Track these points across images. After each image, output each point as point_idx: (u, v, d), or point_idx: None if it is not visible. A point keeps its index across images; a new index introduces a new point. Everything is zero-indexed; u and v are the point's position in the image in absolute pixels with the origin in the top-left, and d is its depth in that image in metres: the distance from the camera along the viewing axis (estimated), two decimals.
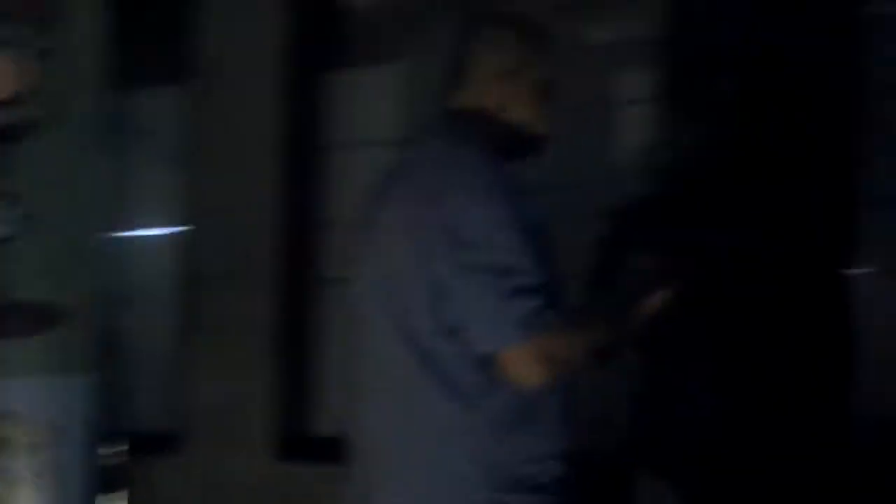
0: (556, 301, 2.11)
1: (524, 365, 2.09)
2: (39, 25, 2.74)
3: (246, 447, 4.30)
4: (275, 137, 4.47)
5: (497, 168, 2.17)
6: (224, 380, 4.38)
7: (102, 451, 3.19)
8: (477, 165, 2.16)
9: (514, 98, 2.27)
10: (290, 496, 4.15)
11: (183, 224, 4.77)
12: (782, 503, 2.69)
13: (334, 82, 4.51)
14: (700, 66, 2.95)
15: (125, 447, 4.44)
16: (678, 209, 2.82)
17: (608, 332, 2.23)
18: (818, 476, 2.71)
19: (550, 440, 2.17)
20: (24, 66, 2.69)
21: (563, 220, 2.62)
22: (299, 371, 4.42)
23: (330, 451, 4.11)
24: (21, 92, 2.67)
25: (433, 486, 2.13)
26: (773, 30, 3.41)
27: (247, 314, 4.38)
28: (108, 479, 4.12)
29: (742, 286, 2.57)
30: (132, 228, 4.94)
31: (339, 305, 4.35)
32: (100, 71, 2.90)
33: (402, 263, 2.15)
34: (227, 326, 4.40)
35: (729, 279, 2.58)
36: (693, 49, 3.40)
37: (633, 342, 2.36)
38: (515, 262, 2.08)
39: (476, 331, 2.10)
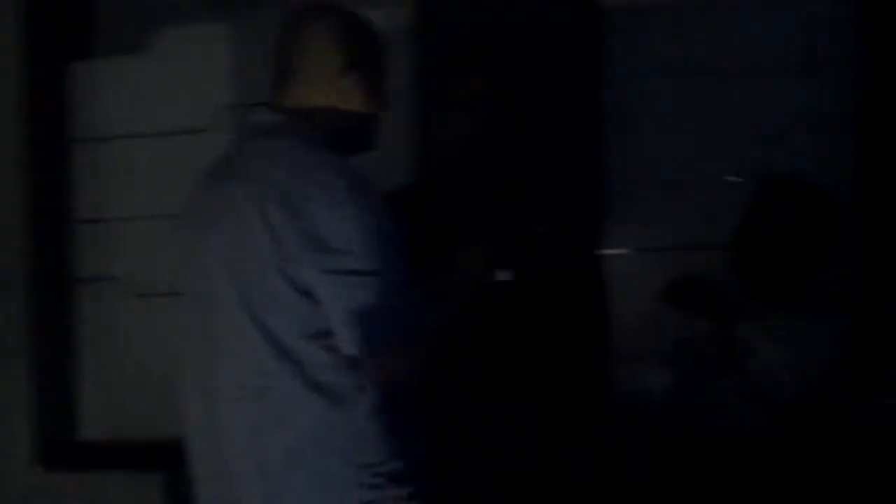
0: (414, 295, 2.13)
1: (395, 365, 2.10)
2: None
3: (7, 455, 4.15)
4: (19, 134, 4.31)
5: (352, 167, 2.13)
6: None
7: None
8: (335, 166, 2.11)
9: (348, 93, 2.23)
10: None
11: None
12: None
13: (82, 74, 4.38)
14: (452, 60, 3.01)
15: None
16: (454, 199, 2.86)
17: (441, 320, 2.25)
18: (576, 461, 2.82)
19: (414, 433, 2.18)
20: None
21: None
22: (59, 375, 4.30)
23: (96, 457, 4.07)
24: None
25: (303, 489, 2.10)
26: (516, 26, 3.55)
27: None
28: None
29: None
30: None
31: (95, 306, 4.27)
32: None
33: (259, 265, 2.08)
34: None
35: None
36: (444, 43, 3.50)
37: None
38: (381, 264, 2.07)
39: (345, 334, 2.07)
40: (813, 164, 3.57)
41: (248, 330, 2.10)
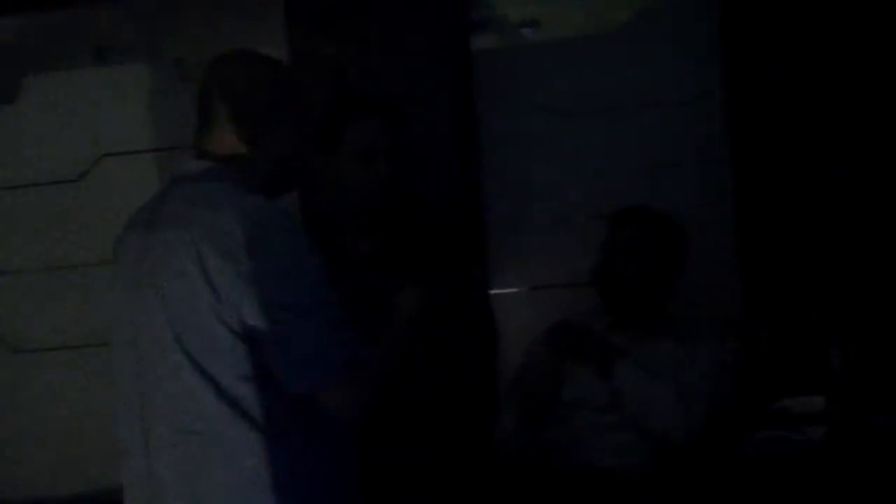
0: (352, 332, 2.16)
1: (344, 400, 2.13)
2: None
3: None
4: None
5: (279, 208, 2.16)
6: None
7: None
8: (263, 207, 2.13)
9: (268, 136, 2.25)
10: None
11: None
12: None
13: None
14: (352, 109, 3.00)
15: None
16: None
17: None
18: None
19: (348, 470, 2.23)
20: None
21: None
22: None
23: None
24: None
25: None
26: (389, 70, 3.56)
27: None
28: None
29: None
30: None
31: None
32: None
33: (195, 310, 2.09)
34: None
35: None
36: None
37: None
38: (314, 302, 2.10)
39: (286, 374, 2.09)
40: (693, 196, 3.65)
41: (186, 374, 2.10)
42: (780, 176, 3.57)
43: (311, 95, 2.38)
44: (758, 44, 3.61)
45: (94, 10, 4.15)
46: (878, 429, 2.94)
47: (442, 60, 3.69)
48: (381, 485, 2.46)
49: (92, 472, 3.93)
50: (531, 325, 3.35)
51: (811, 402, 3.13)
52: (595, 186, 3.79)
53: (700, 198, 3.66)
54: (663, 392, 2.94)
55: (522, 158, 3.87)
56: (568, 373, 3.07)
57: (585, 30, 4.17)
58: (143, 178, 3.99)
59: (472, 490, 2.83)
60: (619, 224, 3.19)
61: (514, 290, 3.75)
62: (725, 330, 3.31)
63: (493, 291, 3.59)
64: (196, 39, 4.26)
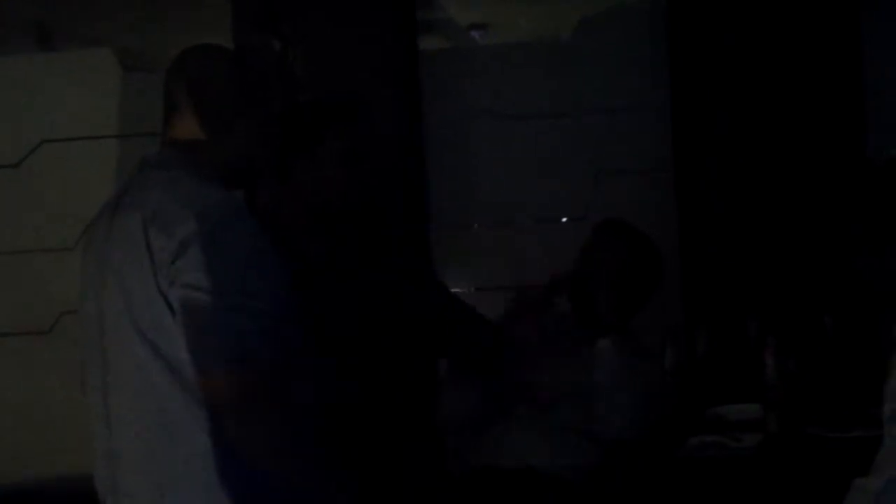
0: (291, 332, 2.13)
1: (226, 393, 2.06)
2: None
3: None
4: None
5: (231, 199, 2.16)
6: None
7: None
8: (213, 195, 2.14)
9: (230, 129, 2.26)
10: None
11: None
12: None
13: None
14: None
15: None
16: None
17: None
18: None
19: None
20: None
21: None
22: None
23: None
24: None
25: None
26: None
27: None
28: None
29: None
30: None
31: None
32: None
33: (144, 289, 2.11)
34: None
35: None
36: None
37: None
38: (240, 289, 2.07)
39: (188, 353, 2.08)
40: (634, 202, 3.68)
41: (139, 351, 2.12)
42: (721, 185, 3.62)
43: (272, 92, 2.37)
44: (704, 51, 3.65)
45: None
46: (811, 437, 2.98)
47: (388, 60, 3.69)
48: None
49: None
50: None
51: (747, 410, 3.17)
52: (540, 190, 3.81)
53: (643, 204, 3.69)
54: (604, 395, 2.97)
55: (468, 161, 3.88)
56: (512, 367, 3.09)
57: (534, 35, 4.21)
58: (82, 165, 3.96)
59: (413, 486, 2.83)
60: (599, 236, 3.21)
61: (458, 290, 3.75)
62: (666, 337, 3.34)
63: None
64: (140, 29, 4.24)
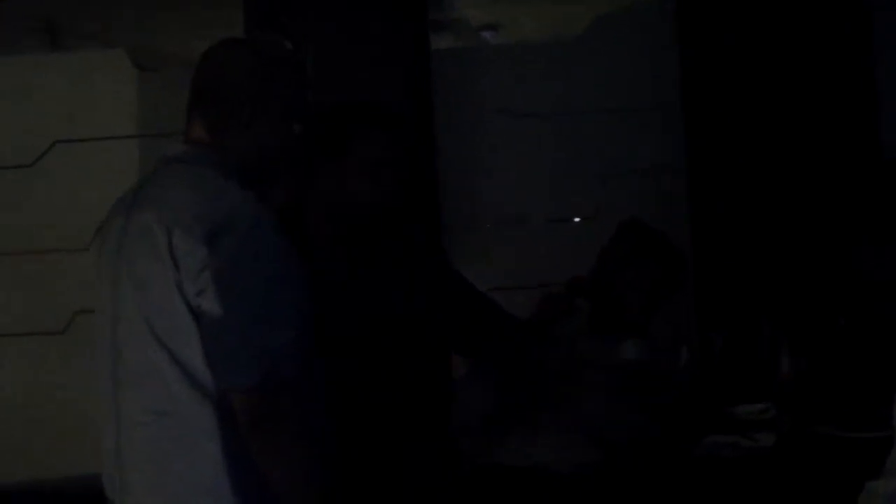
0: (307, 336, 2.12)
1: (253, 409, 2.05)
2: None
3: None
4: None
5: (255, 199, 2.14)
6: None
7: None
8: (240, 197, 2.12)
9: (255, 126, 2.24)
10: None
11: None
12: None
13: None
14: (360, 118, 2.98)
15: None
16: None
17: None
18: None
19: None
20: None
21: None
22: None
23: None
24: None
25: None
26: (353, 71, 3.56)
27: None
28: None
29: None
30: None
31: None
32: None
33: (163, 290, 2.08)
34: None
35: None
36: None
37: None
38: (267, 298, 2.06)
39: (210, 365, 2.06)
40: (647, 202, 3.68)
41: (154, 354, 2.09)
42: (734, 185, 3.62)
43: (294, 90, 2.34)
44: (715, 50, 3.65)
45: None
46: (825, 437, 2.98)
47: (400, 60, 3.69)
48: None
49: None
50: None
51: (761, 410, 3.17)
52: (551, 189, 3.81)
53: (654, 205, 3.68)
54: (629, 398, 2.98)
55: (479, 160, 3.88)
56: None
57: (545, 34, 4.21)
58: (95, 166, 3.97)
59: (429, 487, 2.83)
60: (619, 235, 3.20)
61: None
62: (679, 336, 3.34)
63: None
64: (152, 29, 4.24)
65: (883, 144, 3.60)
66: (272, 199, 2.72)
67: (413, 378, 2.72)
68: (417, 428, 2.73)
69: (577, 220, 3.90)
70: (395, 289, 2.65)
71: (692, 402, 3.21)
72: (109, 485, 2.23)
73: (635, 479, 2.95)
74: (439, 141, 3.80)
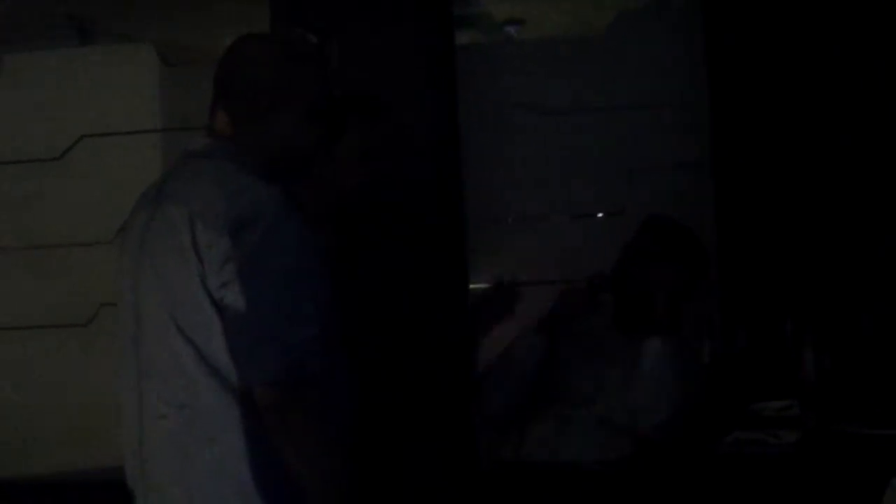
0: (329, 331, 2.13)
1: (277, 403, 2.06)
2: None
3: None
4: None
5: (279, 194, 2.15)
6: None
7: None
8: (264, 191, 2.13)
9: (278, 121, 2.25)
10: None
11: None
12: None
13: None
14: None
15: None
16: None
17: None
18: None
19: None
20: None
21: None
22: None
23: None
24: None
25: None
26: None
27: None
28: None
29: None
30: None
31: None
32: None
33: (187, 283, 2.10)
34: None
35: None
36: None
37: None
38: (288, 293, 2.07)
39: (234, 360, 2.08)
40: (672, 198, 3.67)
41: (177, 347, 2.11)
42: (759, 181, 3.60)
43: (317, 84, 2.34)
44: (741, 45, 3.63)
45: None
46: (849, 434, 2.97)
47: (424, 55, 3.68)
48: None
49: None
50: (512, 319, 3.35)
51: (786, 406, 3.16)
52: (576, 185, 3.80)
53: (679, 201, 3.67)
54: (646, 392, 2.97)
55: (503, 156, 3.87)
56: (550, 364, 3.10)
57: (570, 30, 4.20)
58: (122, 160, 3.98)
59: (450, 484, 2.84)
60: (645, 231, 3.20)
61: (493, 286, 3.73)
62: (704, 332, 3.33)
63: (473, 287, 3.59)
64: (179, 23, 4.26)
65: None
66: (296, 194, 2.74)
67: (422, 372, 2.73)
68: (429, 423, 2.74)
69: (601, 215, 3.89)
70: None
71: (716, 399, 3.21)
72: (132, 476, 2.24)
73: (660, 476, 2.95)
74: (463, 136, 3.79)
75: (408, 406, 2.70)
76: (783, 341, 3.39)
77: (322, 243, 2.29)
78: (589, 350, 3.16)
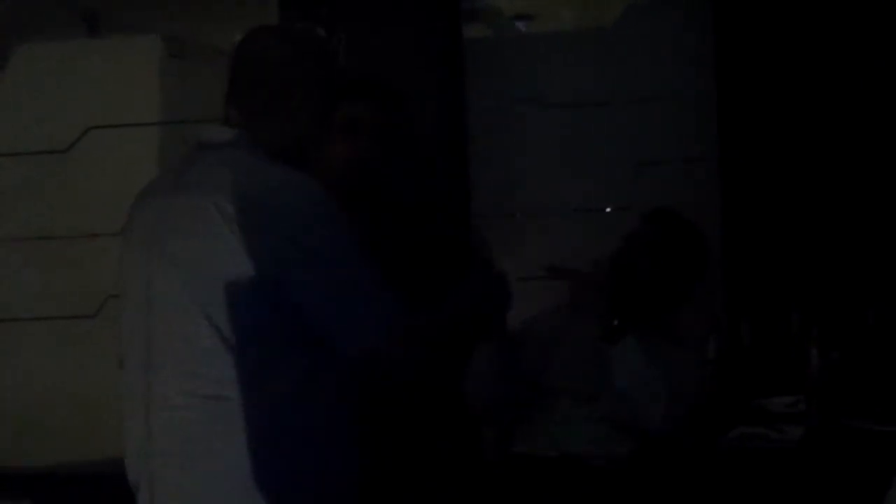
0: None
1: (404, 356, 2.15)
2: None
3: None
4: None
5: (310, 178, 2.18)
6: None
7: None
8: (295, 176, 2.16)
9: (293, 111, 2.26)
10: None
11: None
12: None
13: None
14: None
15: None
16: None
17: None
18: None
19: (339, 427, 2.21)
20: None
21: None
22: None
23: None
24: None
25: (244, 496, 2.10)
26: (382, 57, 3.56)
27: None
28: None
29: None
30: None
31: None
32: None
33: (221, 272, 2.09)
34: None
35: None
36: None
37: None
38: (358, 264, 2.12)
39: (349, 335, 2.11)
40: (677, 193, 3.67)
41: (203, 337, 2.09)
42: (766, 176, 3.60)
43: (330, 74, 2.35)
44: (749, 39, 3.63)
45: None
46: (854, 430, 2.97)
47: (432, 48, 3.69)
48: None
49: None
50: (518, 315, 3.35)
51: (791, 402, 3.16)
52: (583, 179, 3.81)
53: (685, 195, 3.67)
54: (649, 386, 2.96)
55: (511, 150, 3.88)
56: (553, 358, 3.10)
57: (578, 24, 4.20)
58: (129, 152, 3.99)
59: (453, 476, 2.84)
60: (647, 223, 3.19)
61: None
62: (708, 327, 3.33)
63: None
64: (187, 16, 4.26)
65: None
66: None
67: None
68: (441, 413, 2.74)
69: (608, 209, 3.89)
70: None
71: (720, 394, 3.20)
72: (135, 471, 2.22)
73: (664, 471, 2.95)
74: (471, 130, 3.80)
75: (410, 399, 2.70)
76: (789, 336, 3.39)
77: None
78: (589, 344, 3.15)
